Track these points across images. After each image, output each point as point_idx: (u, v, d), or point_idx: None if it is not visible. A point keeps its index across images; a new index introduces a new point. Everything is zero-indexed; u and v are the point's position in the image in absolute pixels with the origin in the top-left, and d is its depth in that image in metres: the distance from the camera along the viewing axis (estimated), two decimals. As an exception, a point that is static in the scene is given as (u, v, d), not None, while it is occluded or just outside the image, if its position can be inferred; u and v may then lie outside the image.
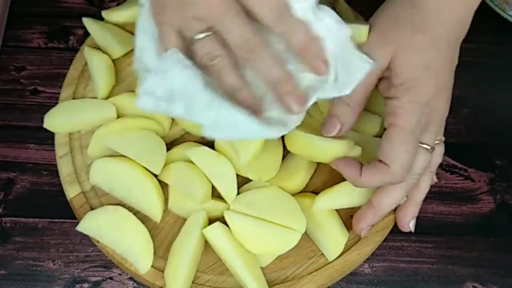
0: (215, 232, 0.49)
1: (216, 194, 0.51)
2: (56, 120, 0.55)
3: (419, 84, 0.43)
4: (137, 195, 0.51)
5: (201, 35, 0.43)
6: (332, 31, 0.45)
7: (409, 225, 0.51)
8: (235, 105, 0.43)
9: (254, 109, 0.43)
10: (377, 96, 0.48)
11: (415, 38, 0.44)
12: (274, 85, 0.44)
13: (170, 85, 0.43)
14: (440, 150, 0.50)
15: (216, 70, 0.43)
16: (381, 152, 0.45)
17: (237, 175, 0.51)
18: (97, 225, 0.50)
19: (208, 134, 0.42)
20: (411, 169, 0.45)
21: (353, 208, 0.52)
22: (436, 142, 0.48)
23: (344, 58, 0.45)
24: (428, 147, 0.46)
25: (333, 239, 0.50)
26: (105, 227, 0.50)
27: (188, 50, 0.44)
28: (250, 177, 0.52)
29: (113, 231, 0.50)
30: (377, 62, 0.45)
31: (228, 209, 0.50)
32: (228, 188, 0.50)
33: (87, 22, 0.59)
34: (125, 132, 0.53)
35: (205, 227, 0.49)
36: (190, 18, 0.43)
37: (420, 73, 0.43)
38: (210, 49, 0.43)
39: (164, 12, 0.44)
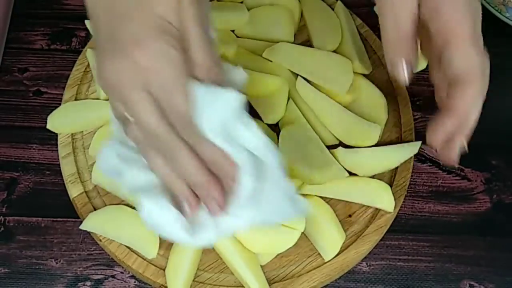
0: None
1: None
2: (59, 121, 0.55)
3: None
4: (138, 195, 0.52)
5: (127, 120, 0.39)
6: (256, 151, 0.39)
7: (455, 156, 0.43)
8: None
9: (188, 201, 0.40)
10: None
11: None
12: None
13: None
14: None
15: (143, 155, 0.40)
16: (456, 67, 0.40)
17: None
18: (101, 222, 0.51)
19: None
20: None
21: (350, 207, 0.53)
22: None
23: (268, 190, 0.40)
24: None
25: (329, 240, 0.51)
26: (109, 223, 0.51)
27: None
28: None
29: (117, 226, 0.51)
30: None
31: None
32: None
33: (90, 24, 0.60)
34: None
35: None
36: (113, 100, 0.39)
37: None
38: (134, 137, 0.39)
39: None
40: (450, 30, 0.40)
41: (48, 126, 0.55)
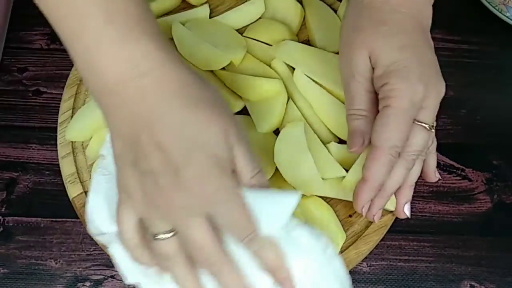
0: None
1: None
2: (77, 130, 0.54)
3: (401, 64, 0.44)
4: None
5: (163, 236, 0.40)
6: (311, 251, 0.42)
7: (405, 210, 0.49)
8: None
9: None
10: None
11: (379, 31, 0.45)
12: None
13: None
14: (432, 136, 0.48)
15: (171, 270, 0.42)
16: (374, 134, 0.45)
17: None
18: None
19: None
20: (407, 147, 0.45)
21: (351, 207, 0.53)
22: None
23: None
24: (426, 125, 0.45)
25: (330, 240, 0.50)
26: None
27: (145, 240, 0.42)
28: None
29: None
30: (360, 67, 0.46)
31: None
32: None
33: None
34: None
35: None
36: (155, 217, 0.40)
37: (397, 55, 0.45)
38: (167, 252, 0.41)
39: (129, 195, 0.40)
40: (388, 100, 0.44)
41: (69, 138, 0.54)
